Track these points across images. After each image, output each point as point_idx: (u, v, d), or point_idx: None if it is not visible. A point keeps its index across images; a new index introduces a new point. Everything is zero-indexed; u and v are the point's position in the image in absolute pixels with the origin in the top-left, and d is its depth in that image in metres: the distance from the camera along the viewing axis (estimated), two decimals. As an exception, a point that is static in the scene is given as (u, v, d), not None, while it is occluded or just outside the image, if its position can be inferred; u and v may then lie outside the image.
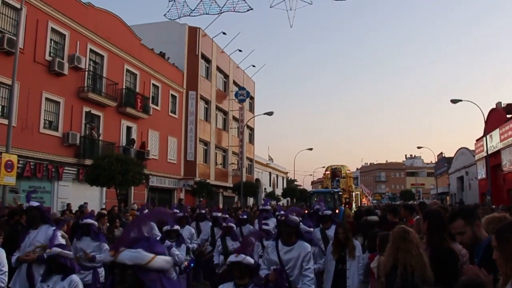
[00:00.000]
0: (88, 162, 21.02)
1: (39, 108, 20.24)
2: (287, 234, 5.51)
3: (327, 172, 33.44)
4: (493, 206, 18.15)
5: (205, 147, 37.78)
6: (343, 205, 26.56)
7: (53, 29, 21.20)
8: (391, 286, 3.96)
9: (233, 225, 9.64)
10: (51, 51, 21.24)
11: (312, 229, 7.55)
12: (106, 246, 7.55)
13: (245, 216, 11.83)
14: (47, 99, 20.76)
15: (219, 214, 11.61)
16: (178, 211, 11.10)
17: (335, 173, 32.23)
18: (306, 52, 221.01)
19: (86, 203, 18.22)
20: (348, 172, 33.26)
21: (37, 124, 20.10)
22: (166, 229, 8.27)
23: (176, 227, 8.43)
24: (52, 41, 21.36)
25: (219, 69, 41.12)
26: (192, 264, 9.47)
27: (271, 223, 10.85)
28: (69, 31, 22.17)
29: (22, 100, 18.88)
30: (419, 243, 4.03)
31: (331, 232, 8.25)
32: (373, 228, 7.94)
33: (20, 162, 17.82)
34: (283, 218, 5.62)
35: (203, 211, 12.57)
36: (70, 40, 22.19)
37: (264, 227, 8.58)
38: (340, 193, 27.23)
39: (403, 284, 3.81)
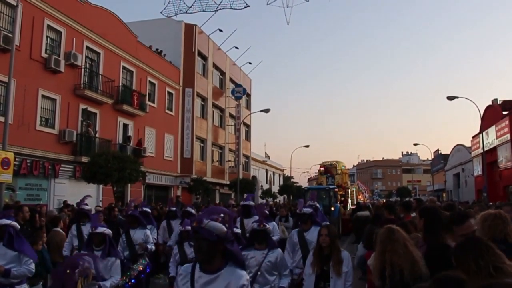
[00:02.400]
0: (84, 159, 21.00)
1: (35, 105, 20.21)
2: (204, 255, 3.28)
3: (321, 168, 32.48)
4: (490, 203, 18.22)
5: (202, 144, 37.77)
6: (338, 202, 26.05)
7: (49, 26, 21.14)
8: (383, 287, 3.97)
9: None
10: (47, 48, 21.20)
11: (276, 237, 6.25)
12: (27, 258, 5.96)
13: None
14: (43, 96, 20.72)
15: (193, 211, 10.24)
16: (148, 210, 9.95)
17: (327, 169, 31.48)
18: (303, 49, 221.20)
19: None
20: (343, 168, 32.16)
21: (34, 121, 20.07)
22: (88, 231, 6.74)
23: (100, 229, 6.41)
24: (48, 38, 21.31)
25: (215, 66, 41.09)
26: (148, 269, 8.29)
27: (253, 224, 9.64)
28: (65, 28, 22.12)
29: (18, 98, 18.83)
30: (407, 240, 4.00)
31: (310, 235, 6.81)
32: (363, 224, 7.88)
33: (17, 159, 17.76)
34: (194, 223, 3.36)
35: (174, 209, 11.26)
36: (66, 37, 22.13)
37: (235, 230, 6.80)
38: (335, 189, 26.49)
39: (392, 285, 3.82)
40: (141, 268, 7.94)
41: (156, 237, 9.92)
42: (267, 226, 6.03)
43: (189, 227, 6.94)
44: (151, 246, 8.63)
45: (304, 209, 7.40)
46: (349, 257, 5.46)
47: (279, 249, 6.01)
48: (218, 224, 3.31)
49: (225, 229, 3.32)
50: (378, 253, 4.07)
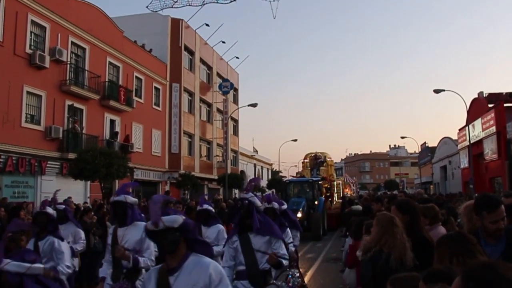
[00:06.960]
0: (71, 156, 20.84)
1: (20, 101, 19.99)
2: None
3: (305, 160, 30.58)
4: (476, 195, 18.35)
5: (190, 140, 37.68)
6: (323, 196, 24.87)
7: (33, 22, 20.88)
8: (370, 268, 3.96)
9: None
10: (32, 44, 20.95)
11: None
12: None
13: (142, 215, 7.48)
14: (28, 92, 20.50)
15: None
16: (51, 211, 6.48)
17: (316, 158, 29.25)
18: (290, 43, 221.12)
19: (70, 197, 18.09)
20: (329, 160, 30.68)
21: (19, 118, 19.85)
22: None
23: None
24: (33, 34, 21.05)
25: (202, 61, 40.94)
26: None
27: (212, 233, 6.86)
28: (50, 24, 21.86)
29: (2, 94, 18.63)
30: (403, 229, 4.02)
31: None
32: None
33: (2, 157, 17.63)
34: None
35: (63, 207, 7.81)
36: (50, 33, 21.87)
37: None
38: (320, 182, 25.23)
39: (374, 267, 3.84)
40: None
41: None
42: None
43: (57, 240, 4.74)
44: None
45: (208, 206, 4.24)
46: None
47: None
48: None
49: None
50: (375, 234, 4.02)
